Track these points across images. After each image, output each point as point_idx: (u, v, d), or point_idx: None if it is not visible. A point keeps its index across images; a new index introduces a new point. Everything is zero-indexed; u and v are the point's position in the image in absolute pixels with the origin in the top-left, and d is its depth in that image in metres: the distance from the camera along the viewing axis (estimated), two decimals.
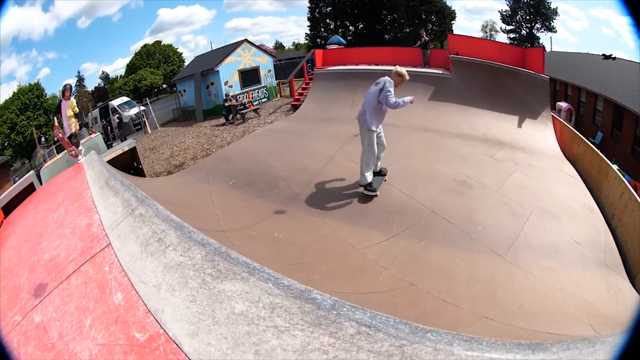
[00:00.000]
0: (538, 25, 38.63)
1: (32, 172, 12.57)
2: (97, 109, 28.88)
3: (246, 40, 24.31)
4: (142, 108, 25.47)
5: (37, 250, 4.68)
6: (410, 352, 1.98)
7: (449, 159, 8.73)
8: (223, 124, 18.53)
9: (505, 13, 40.37)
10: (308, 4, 45.46)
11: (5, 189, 10.92)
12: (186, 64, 37.79)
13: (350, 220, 6.56)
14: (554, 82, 19.75)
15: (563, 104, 18.76)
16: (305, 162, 9.22)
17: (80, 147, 9.51)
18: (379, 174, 7.71)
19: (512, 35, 40.25)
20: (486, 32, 42.23)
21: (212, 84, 23.00)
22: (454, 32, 36.97)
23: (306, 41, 47.50)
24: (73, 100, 9.32)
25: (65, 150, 9.39)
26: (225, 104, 18.97)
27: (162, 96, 44.04)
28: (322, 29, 45.57)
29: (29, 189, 9.82)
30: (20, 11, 39.81)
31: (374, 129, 6.98)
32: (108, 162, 8.79)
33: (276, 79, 25.04)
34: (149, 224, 3.66)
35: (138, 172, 11.66)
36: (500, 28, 41.30)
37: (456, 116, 11.53)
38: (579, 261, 5.89)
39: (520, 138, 10.35)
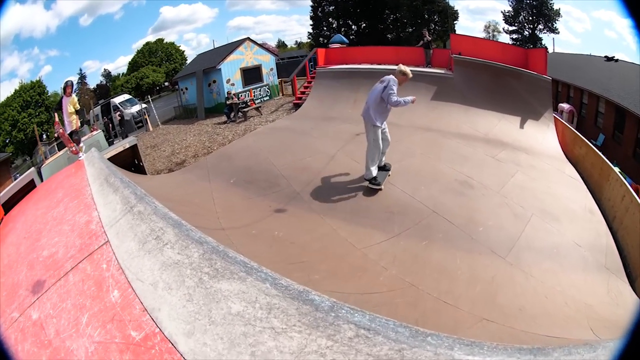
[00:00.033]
0: (540, 26, 38.63)
1: (32, 169, 12.59)
2: (99, 107, 28.91)
3: (248, 38, 24.29)
4: (144, 106, 25.44)
5: (36, 247, 4.68)
6: (410, 357, 1.94)
7: (451, 159, 8.69)
8: (225, 122, 18.50)
9: (507, 14, 40.42)
10: (311, 3, 45.63)
11: (6, 186, 10.94)
12: (188, 62, 37.77)
13: (351, 220, 6.54)
14: (556, 84, 19.71)
15: (565, 106, 18.73)
16: (306, 161, 9.20)
17: (81, 144, 9.51)
18: (383, 168, 7.91)
19: (514, 36, 40.29)
20: (489, 33, 42.29)
21: (214, 82, 22.99)
22: (457, 32, 36.90)
23: (309, 40, 47.63)
24: (74, 96, 9.31)
25: (66, 148, 9.35)
26: (227, 102, 18.94)
27: (164, 94, 44.10)
28: (325, 28, 45.62)
29: (30, 186, 9.84)
30: (22, 9, 39.88)
31: (378, 124, 7.19)
32: (109, 159, 8.77)
33: (278, 78, 25.02)
34: (147, 221, 3.64)
35: (139, 169, 11.66)
36: (503, 29, 41.37)
37: (458, 116, 11.49)
38: (579, 264, 5.85)
39: (522, 139, 10.31)
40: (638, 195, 6.62)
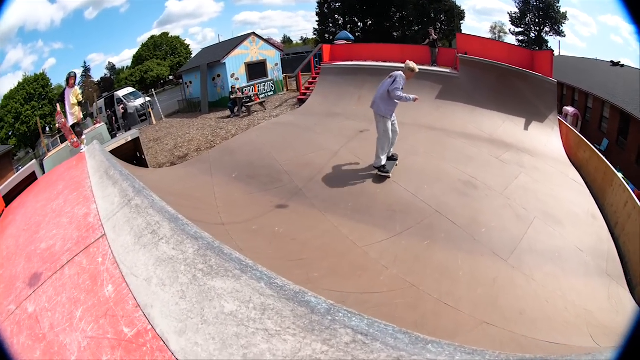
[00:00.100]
0: (547, 29, 38.41)
1: (34, 161, 12.62)
2: (103, 100, 28.88)
3: (254, 33, 24.18)
4: (148, 99, 25.40)
5: (34, 240, 4.66)
6: None
7: (455, 159, 8.64)
8: (228, 117, 18.45)
9: (514, 15, 40.16)
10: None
11: (8, 178, 10.95)
12: (193, 56, 37.70)
13: (352, 217, 6.50)
14: (561, 86, 19.61)
15: (570, 109, 18.64)
16: (309, 157, 9.16)
17: (83, 137, 9.49)
18: (391, 158, 8.20)
19: (520, 38, 40.05)
20: (495, 34, 42.04)
21: (219, 76, 22.91)
22: (463, 32, 36.73)
23: (314, 36, 47.38)
24: (77, 88, 9.28)
25: (70, 137, 9.33)
26: (231, 97, 18.88)
27: (169, 87, 44.06)
28: (331, 25, 45.41)
29: (31, 178, 9.84)
30: (27, 2, 39.83)
31: (387, 116, 7.55)
32: (111, 152, 8.75)
33: (283, 73, 24.92)
34: (144, 215, 3.60)
35: (141, 162, 11.63)
36: (509, 30, 41.13)
37: (463, 116, 11.42)
38: (581, 269, 5.81)
39: (527, 140, 10.25)
40: None
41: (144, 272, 2.86)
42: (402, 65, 7.64)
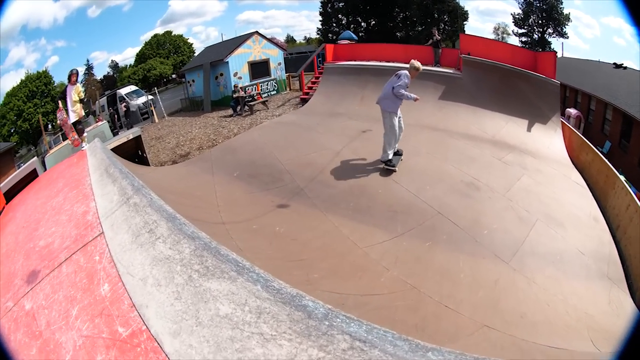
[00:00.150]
0: (550, 30, 38.36)
1: (35, 158, 12.60)
2: (105, 97, 28.90)
3: (257, 32, 24.17)
4: (150, 97, 25.40)
5: (33, 237, 4.65)
6: None
7: (457, 160, 8.60)
8: (231, 115, 18.42)
9: (517, 16, 40.11)
10: None
11: (10, 175, 10.95)
12: (196, 54, 37.71)
13: (354, 217, 6.47)
14: (564, 88, 19.50)
15: (572, 111, 18.57)
16: (311, 157, 9.13)
17: (85, 134, 9.47)
18: (397, 153, 8.40)
19: (523, 39, 40.00)
20: (498, 35, 41.97)
21: (221, 74, 22.91)
22: (466, 33, 36.69)
23: (317, 36, 47.41)
24: (79, 85, 9.26)
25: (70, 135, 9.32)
26: (234, 95, 18.85)
27: (171, 86, 44.07)
28: (334, 24, 45.45)
29: (32, 175, 9.83)
30: (30, 0, 39.92)
31: (392, 112, 7.83)
32: (112, 150, 8.75)
33: (286, 72, 24.90)
34: (142, 213, 3.58)
35: (142, 160, 11.62)
36: (512, 31, 41.08)
37: (466, 116, 11.37)
38: (582, 272, 5.77)
39: (529, 142, 10.20)
40: None
41: (140, 271, 2.83)
42: (405, 65, 7.78)
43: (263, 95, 21.32)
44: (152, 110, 22.99)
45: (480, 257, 5.56)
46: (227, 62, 22.25)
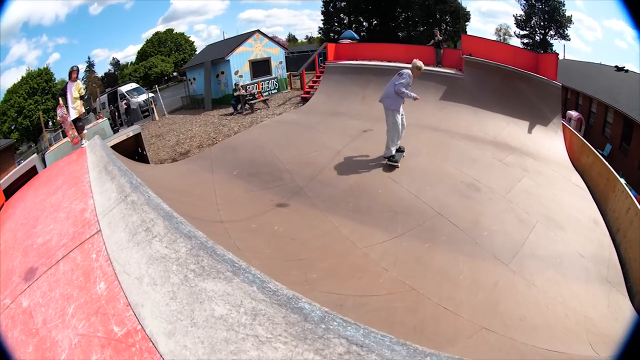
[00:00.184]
0: (552, 32, 38.25)
1: (35, 155, 12.60)
2: (106, 95, 28.90)
3: (258, 31, 24.12)
4: (151, 95, 25.39)
5: (31, 234, 4.63)
6: None
7: (458, 160, 8.59)
8: (231, 114, 18.41)
9: (519, 18, 39.98)
10: None
11: (10, 172, 10.94)
12: (197, 52, 37.68)
13: (353, 217, 6.45)
14: (565, 90, 19.48)
15: (573, 113, 18.51)
16: (311, 156, 9.11)
17: (85, 131, 9.46)
18: (399, 150, 8.57)
19: (525, 41, 39.88)
20: (500, 36, 41.89)
21: (222, 73, 22.88)
22: (468, 34, 36.65)
23: (319, 35, 47.34)
24: (79, 82, 9.24)
25: (70, 133, 9.30)
26: (235, 94, 18.84)
27: (172, 84, 44.00)
28: (336, 24, 45.37)
29: (32, 172, 9.81)
30: None
31: (395, 109, 7.99)
32: (112, 147, 8.72)
33: (287, 71, 24.86)
34: (139, 211, 3.55)
35: (142, 158, 11.60)
36: (514, 32, 40.99)
37: (467, 117, 11.35)
38: (582, 275, 5.76)
39: (530, 144, 10.18)
40: None
41: (136, 270, 2.81)
42: (407, 65, 7.90)
43: (264, 94, 21.32)
44: (152, 108, 22.97)
45: (480, 258, 5.54)
46: (229, 60, 22.22)
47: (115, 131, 17.74)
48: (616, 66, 21.78)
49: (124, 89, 27.59)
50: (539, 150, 9.96)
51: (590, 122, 18.79)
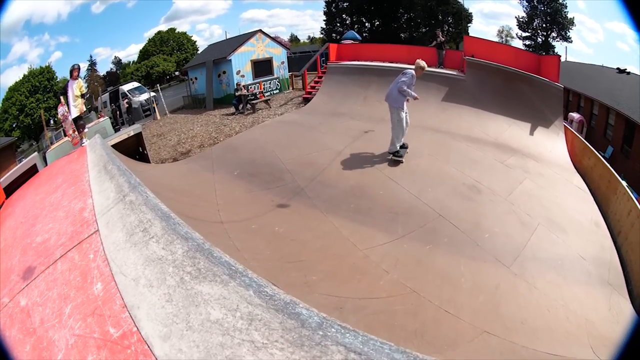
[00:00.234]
0: (554, 34, 38.19)
1: (35, 153, 12.60)
2: (107, 94, 28.93)
3: (260, 30, 24.11)
4: (153, 94, 25.40)
5: (30, 233, 4.62)
6: None
7: (459, 162, 8.55)
8: (233, 114, 18.42)
9: (521, 19, 39.94)
10: None
11: (11, 170, 10.95)
12: (199, 52, 37.70)
13: (354, 219, 6.42)
14: (567, 92, 19.44)
15: (575, 115, 18.47)
16: (313, 156, 9.08)
17: (86, 130, 9.45)
18: (403, 146, 8.73)
19: (527, 42, 39.82)
20: (502, 37, 41.84)
21: (224, 72, 22.87)
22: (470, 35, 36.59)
23: (321, 35, 47.33)
24: (81, 80, 9.24)
25: (70, 132, 9.29)
26: (236, 94, 18.84)
27: (174, 83, 44.04)
28: (338, 24, 45.37)
29: (32, 171, 9.81)
30: None
31: (399, 107, 8.20)
32: (113, 146, 8.71)
33: (289, 71, 24.84)
34: (137, 212, 3.53)
35: (143, 157, 11.59)
36: (516, 34, 40.94)
37: (469, 119, 11.31)
38: (583, 277, 5.72)
39: (532, 146, 10.13)
40: None
41: (132, 271, 2.79)
42: (408, 66, 8.00)
43: (265, 94, 21.33)
44: (154, 107, 22.98)
45: (481, 261, 5.50)
46: (230, 60, 22.22)
47: (116, 130, 17.76)
48: (618, 68, 21.74)
49: (125, 88, 27.63)
50: (541, 152, 9.92)
51: (592, 124, 18.76)
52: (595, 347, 4.25)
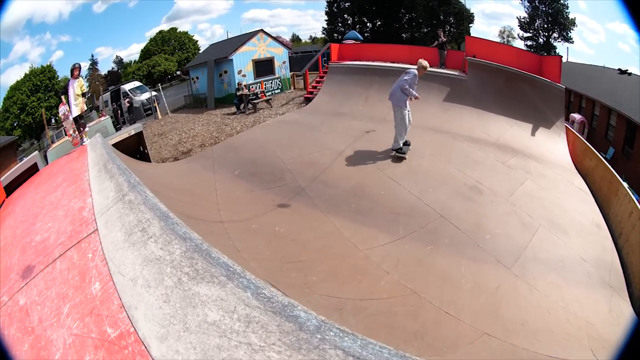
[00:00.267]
0: (555, 35, 38.18)
1: (36, 152, 12.60)
2: (109, 93, 28.95)
3: (262, 30, 24.09)
4: (154, 93, 25.41)
5: (30, 232, 4.63)
6: None
7: (461, 162, 8.53)
8: (234, 113, 18.41)
9: (523, 20, 39.94)
10: None
11: (11, 169, 10.96)
12: (201, 51, 37.72)
13: (355, 219, 6.40)
14: (568, 93, 19.40)
15: (577, 116, 18.44)
16: (314, 156, 9.07)
17: (86, 129, 9.45)
18: (406, 143, 8.87)
19: (529, 43, 39.82)
20: (503, 38, 41.84)
21: (226, 72, 22.85)
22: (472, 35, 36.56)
23: (323, 35, 47.40)
24: (81, 79, 9.24)
25: (70, 132, 9.30)
26: (238, 93, 18.84)
27: (175, 83, 44.11)
28: (340, 24, 45.47)
29: (33, 169, 9.82)
30: None
31: (401, 105, 8.34)
32: (113, 145, 8.70)
33: (291, 71, 24.83)
34: (135, 211, 3.52)
35: (144, 157, 11.58)
36: (518, 35, 40.95)
37: (470, 119, 11.27)
38: (583, 279, 5.69)
39: (533, 146, 10.10)
40: None
41: (130, 271, 2.78)
42: (410, 66, 8.05)
43: (267, 94, 21.32)
44: (155, 107, 22.99)
45: (482, 262, 5.48)
46: (232, 59, 22.20)
47: (117, 129, 17.75)
48: (619, 69, 21.72)
49: (127, 87, 27.69)
50: (542, 153, 9.88)
51: (593, 125, 18.74)
52: (596, 350, 4.23)
